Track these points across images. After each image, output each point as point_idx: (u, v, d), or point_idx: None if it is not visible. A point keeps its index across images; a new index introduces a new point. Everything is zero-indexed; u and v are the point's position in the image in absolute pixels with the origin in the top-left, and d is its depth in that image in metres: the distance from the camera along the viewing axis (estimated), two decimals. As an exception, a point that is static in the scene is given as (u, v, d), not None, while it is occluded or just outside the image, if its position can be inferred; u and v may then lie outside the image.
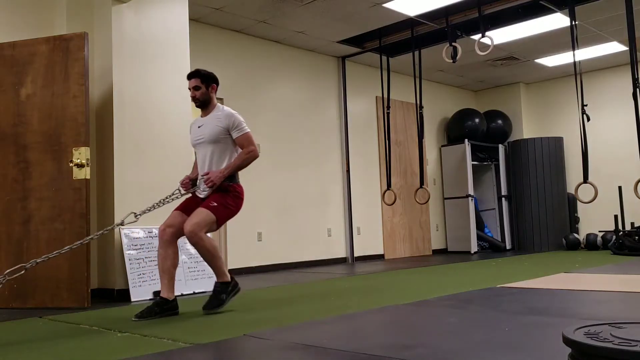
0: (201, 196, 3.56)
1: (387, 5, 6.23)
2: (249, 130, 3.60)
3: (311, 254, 7.30)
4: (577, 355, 1.32)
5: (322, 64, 7.89)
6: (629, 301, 3.42)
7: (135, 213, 3.48)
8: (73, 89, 4.16)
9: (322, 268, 6.87)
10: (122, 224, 3.50)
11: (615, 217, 7.61)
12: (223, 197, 3.49)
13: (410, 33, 7.11)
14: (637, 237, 7.35)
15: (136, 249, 4.43)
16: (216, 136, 3.55)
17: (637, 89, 5.14)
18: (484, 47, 6.29)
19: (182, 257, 4.69)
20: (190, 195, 3.65)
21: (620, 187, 8.01)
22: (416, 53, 7.21)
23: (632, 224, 8.10)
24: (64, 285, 4.04)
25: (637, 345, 1.22)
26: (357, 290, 4.44)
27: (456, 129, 9.43)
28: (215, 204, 3.43)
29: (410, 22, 6.88)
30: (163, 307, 3.41)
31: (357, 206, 8.02)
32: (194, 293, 4.60)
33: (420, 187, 7.23)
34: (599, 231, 8.44)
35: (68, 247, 3.34)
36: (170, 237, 3.45)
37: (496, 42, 6.88)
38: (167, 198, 3.58)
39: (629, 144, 8.11)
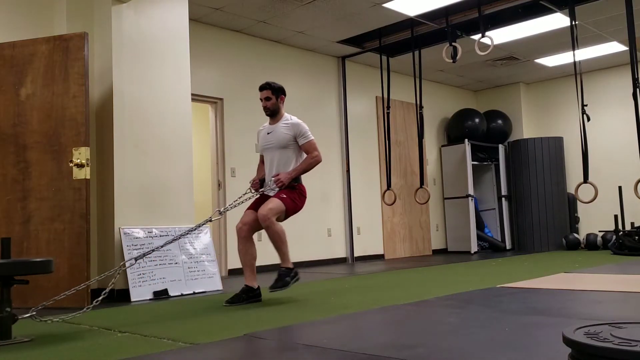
0: (270, 194, 3.96)
1: (387, 5, 6.23)
2: (313, 137, 4.05)
3: (311, 254, 7.30)
4: (577, 355, 1.32)
5: (322, 63, 7.89)
6: (629, 301, 3.42)
7: (219, 210, 3.95)
8: (73, 89, 4.16)
9: (322, 268, 6.86)
10: (210, 220, 3.86)
11: (615, 217, 7.60)
12: (291, 193, 3.96)
13: (410, 33, 7.11)
14: (637, 237, 7.35)
15: (136, 249, 4.43)
16: (284, 142, 4.00)
17: (637, 89, 5.14)
18: (484, 47, 6.29)
19: (182, 257, 4.70)
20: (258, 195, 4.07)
21: (620, 187, 8.01)
22: (416, 53, 7.22)
23: (632, 224, 8.10)
24: (64, 285, 4.04)
25: (637, 345, 1.22)
26: (357, 290, 4.44)
27: (456, 129, 9.43)
28: (285, 196, 3.89)
29: (410, 22, 6.88)
30: (249, 294, 3.84)
31: (357, 206, 8.01)
32: (194, 293, 4.60)
33: (420, 187, 7.23)
34: (599, 231, 8.44)
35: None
36: (246, 234, 3.91)
37: (496, 42, 6.87)
38: (241, 197, 3.99)
39: (629, 144, 8.11)
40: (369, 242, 8.12)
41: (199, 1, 5.87)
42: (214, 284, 4.83)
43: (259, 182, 4.10)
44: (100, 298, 3.23)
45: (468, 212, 8.96)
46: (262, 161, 4.25)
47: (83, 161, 4.09)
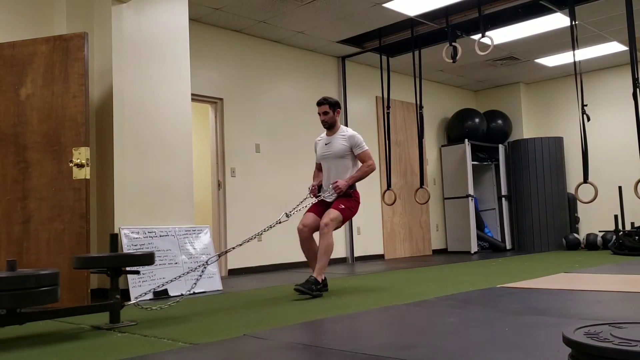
0: (328, 200, 4.36)
1: (387, 5, 6.23)
2: (367, 148, 4.49)
3: (311, 254, 7.29)
4: (577, 355, 1.32)
5: (322, 64, 7.89)
6: (629, 301, 3.42)
7: (287, 213, 4.16)
8: (73, 89, 4.16)
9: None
10: (279, 222, 4.11)
11: (615, 217, 7.60)
12: (348, 202, 4.35)
13: (410, 33, 7.11)
14: (637, 237, 7.35)
15: (136, 249, 4.43)
16: (342, 152, 4.42)
17: (637, 89, 5.14)
18: (484, 47, 6.29)
19: (181, 257, 4.70)
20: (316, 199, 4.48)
21: (620, 187, 8.01)
22: (416, 53, 7.21)
23: (632, 224, 8.10)
24: (64, 285, 4.03)
25: (637, 345, 1.22)
26: (357, 290, 4.44)
27: (456, 129, 9.43)
28: (343, 207, 4.29)
29: (410, 22, 6.88)
30: (317, 285, 4.13)
31: (357, 206, 8.01)
32: (194, 293, 4.60)
33: (420, 187, 7.22)
34: (599, 231, 8.44)
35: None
36: (307, 234, 4.35)
37: (496, 42, 6.87)
38: (302, 201, 4.45)
39: (629, 144, 8.11)
40: (369, 242, 8.12)
41: (199, 1, 5.87)
42: (214, 284, 4.83)
43: (317, 188, 4.52)
44: (193, 287, 3.65)
45: (468, 212, 8.96)
46: (318, 168, 4.66)
47: (83, 161, 4.09)
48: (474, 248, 8.85)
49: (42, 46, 4.24)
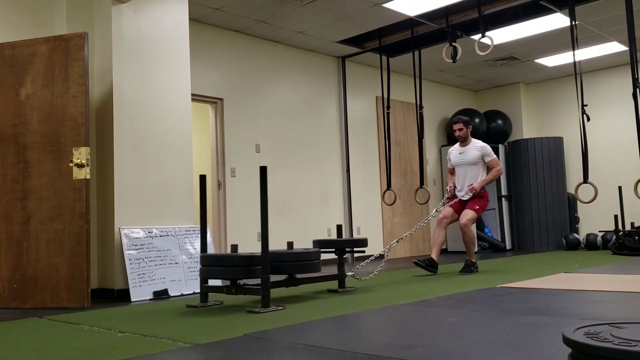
0: (464, 199, 5.48)
1: (387, 5, 6.23)
2: (495, 156, 5.57)
3: (311, 254, 7.30)
4: (577, 355, 1.32)
5: (322, 64, 7.89)
6: (629, 301, 3.42)
7: (437, 209, 5.56)
8: (73, 89, 4.16)
9: (322, 268, 6.85)
10: (431, 216, 5.60)
11: (615, 217, 7.60)
12: (481, 201, 5.46)
13: (410, 33, 7.11)
14: (637, 237, 7.35)
15: (136, 249, 4.44)
16: (475, 160, 5.50)
17: (637, 89, 5.14)
18: (484, 47, 6.29)
19: (182, 257, 4.70)
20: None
21: (620, 187, 8.01)
22: (416, 53, 7.21)
23: (632, 224, 8.10)
24: (64, 285, 4.04)
25: (637, 345, 1.22)
26: (356, 290, 4.44)
27: (456, 129, 9.42)
28: (478, 207, 5.41)
29: (410, 22, 6.88)
30: (432, 263, 5.33)
31: (357, 206, 8.02)
32: (194, 293, 4.60)
33: (420, 187, 7.22)
34: (599, 231, 8.44)
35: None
36: (445, 224, 5.45)
37: (496, 42, 6.88)
38: (443, 201, 5.65)
39: (629, 144, 8.11)
40: (369, 242, 8.11)
41: (199, 1, 5.87)
42: (214, 283, 4.82)
43: (454, 188, 5.59)
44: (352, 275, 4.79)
45: (468, 212, 8.95)
46: (451, 172, 5.74)
47: (83, 161, 4.09)
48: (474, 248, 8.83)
49: (42, 46, 4.24)
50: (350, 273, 4.55)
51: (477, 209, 5.37)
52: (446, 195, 5.68)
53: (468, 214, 5.33)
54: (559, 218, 9.08)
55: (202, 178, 4.14)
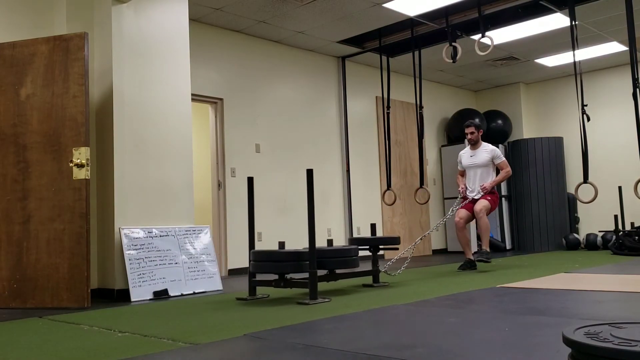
0: (476, 198, 5.75)
1: (387, 5, 6.24)
2: (504, 158, 5.89)
3: (311, 254, 7.30)
4: (577, 355, 1.32)
5: (322, 64, 7.89)
6: (629, 301, 3.42)
7: (452, 209, 5.86)
8: (73, 89, 4.16)
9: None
10: (448, 215, 5.95)
11: (615, 217, 7.61)
12: (492, 196, 5.76)
13: (410, 33, 7.11)
14: (637, 237, 7.35)
15: (136, 249, 4.44)
16: (485, 162, 5.84)
17: (637, 89, 5.14)
18: (484, 47, 6.29)
19: (182, 257, 4.70)
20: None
21: (620, 187, 8.01)
22: (416, 53, 7.21)
23: (632, 224, 8.10)
24: (64, 285, 4.04)
25: (637, 345, 1.22)
26: (357, 290, 4.44)
27: (456, 129, 9.42)
28: (490, 199, 5.72)
29: (410, 22, 6.88)
30: (470, 263, 5.73)
31: (357, 206, 8.02)
32: (194, 293, 4.60)
33: (420, 187, 7.22)
34: (599, 231, 8.44)
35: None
36: (463, 225, 5.71)
37: (496, 42, 6.88)
38: (457, 201, 5.93)
39: (629, 144, 8.12)
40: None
41: (199, 1, 5.87)
42: (214, 284, 4.83)
43: (466, 189, 5.88)
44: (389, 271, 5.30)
45: (468, 212, 8.95)
46: (461, 174, 6.07)
47: (83, 161, 4.09)
48: (474, 248, 8.83)
49: (42, 46, 4.24)
50: (382, 269, 4.83)
51: (489, 200, 5.67)
52: (459, 197, 5.94)
53: (482, 202, 5.62)
54: (559, 218, 9.08)
55: (250, 180, 4.41)
